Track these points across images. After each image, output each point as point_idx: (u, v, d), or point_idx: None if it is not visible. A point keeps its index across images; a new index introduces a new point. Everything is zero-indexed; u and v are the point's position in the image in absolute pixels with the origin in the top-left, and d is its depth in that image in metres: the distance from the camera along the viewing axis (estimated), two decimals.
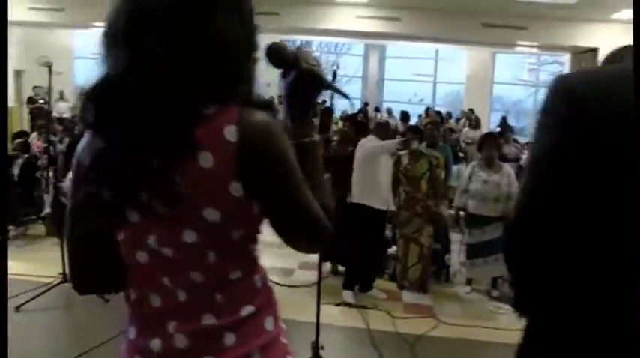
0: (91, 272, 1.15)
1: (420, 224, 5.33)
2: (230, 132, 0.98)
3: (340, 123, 8.32)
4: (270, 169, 1.02)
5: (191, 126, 0.97)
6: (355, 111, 12.68)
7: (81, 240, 1.11)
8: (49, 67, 4.57)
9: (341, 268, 5.65)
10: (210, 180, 0.98)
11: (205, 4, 1.00)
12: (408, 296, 5.27)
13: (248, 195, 1.00)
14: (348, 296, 4.98)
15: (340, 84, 19.89)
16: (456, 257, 5.96)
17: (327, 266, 5.80)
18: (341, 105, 14.01)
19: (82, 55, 17.18)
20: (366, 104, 16.75)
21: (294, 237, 1.10)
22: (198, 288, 1.05)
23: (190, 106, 0.97)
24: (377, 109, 16.77)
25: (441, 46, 17.60)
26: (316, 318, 3.36)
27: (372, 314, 4.41)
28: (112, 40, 1.02)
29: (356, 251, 5.03)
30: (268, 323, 1.11)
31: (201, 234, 1.02)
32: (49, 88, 4.84)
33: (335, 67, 3.53)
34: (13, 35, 14.35)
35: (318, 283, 3.49)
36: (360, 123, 6.28)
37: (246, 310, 1.08)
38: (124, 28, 1.00)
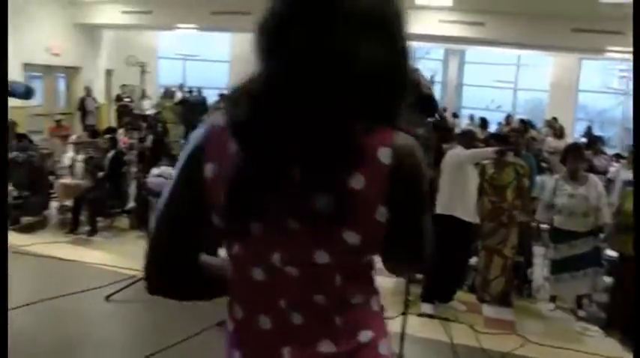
0: (170, 274, 1.09)
1: (505, 235, 5.13)
2: (384, 155, 0.95)
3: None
4: (414, 194, 1.00)
5: (352, 143, 0.92)
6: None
7: (169, 240, 1.06)
8: (142, 66, 4.73)
9: (418, 276, 5.54)
10: (358, 203, 0.94)
11: (372, 22, 0.95)
12: (489, 310, 5.09)
13: (388, 219, 0.97)
14: (427, 308, 4.86)
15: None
16: (539, 271, 5.70)
17: None
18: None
19: (165, 55, 17.87)
20: (444, 110, 16.42)
21: (405, 259, 1.10)
22: (318, 312, 1.00)
23: (350, 124, 0.93)
24: (455, 115, 16.40)
25: (523, 52, 17.01)
26: (401, 329, 3.29)
27: (454, 327, 4.27)
28: (269, 47, 0.96)
29: (439, 262, 4.89)
30: (383, 348, 1.06)
31: (335, 256, 0.97)
32: (141, 87, 5.01)
33: (433, 75, 3.45)
34: (106, 37, 15.14)
35: (406, 294, 3.42)
36: (444, 130, 6.12)
37: (365, 335, 1.03)
38: (281, 39, 0.94)
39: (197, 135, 1.04)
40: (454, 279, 5.21)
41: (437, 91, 19.78)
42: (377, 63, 0.93)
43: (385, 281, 5.11)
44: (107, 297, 3.97)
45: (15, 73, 10.70)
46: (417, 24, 11.47)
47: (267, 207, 0.95)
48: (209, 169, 1.00)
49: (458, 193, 4.81)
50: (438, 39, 13.35)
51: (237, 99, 0.98)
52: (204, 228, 1.05)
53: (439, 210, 4.84)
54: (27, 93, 4.12)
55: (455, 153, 4.97)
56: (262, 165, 0.94)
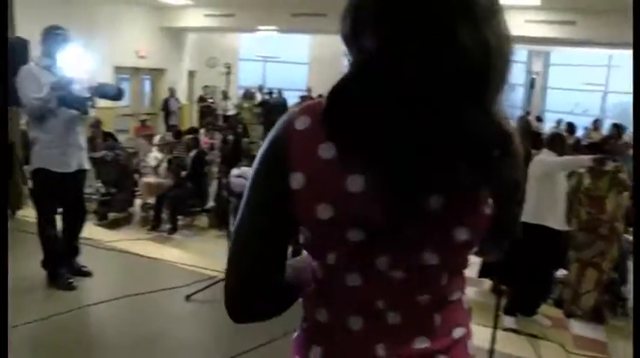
0: (258, 296, 0.99)
1: (604, 248, 4.79)
2: None
3: None
4: (517, 183, 0.97)
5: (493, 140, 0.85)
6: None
7: (253, 258, 0.97)
8: (228, 68, 4.79)
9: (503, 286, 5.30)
10: (470, 197, 0.90)
11: (488, 8, 0.86)
12: (578, 327, 4.77)
13: (494, 210, 0.93)
14: (509, 322, 4.61)
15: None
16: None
17: (487, 282, 5.49)
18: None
19: (245, 57, 18.22)
20: (527, 113, 15.77)
21: (499, 247, 1.07)
22: (419, 311, 0.96)
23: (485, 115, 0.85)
24: (539, 119, 15.71)
25: (615, 52, 16.06)
26: (490, 345, 3.12)
27: (543, 345, 4.02)
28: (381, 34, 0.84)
29: (526, 273, 4.64)
30: (469, 346, 1.04)
31: (444, 255, 0.93)
32: (224, 88, 5.07)
33: (534, 79, 3.22)
34: (189, 39, 15.62)
35: (497, 307, 3.23)
36: (534, 135, 5.81)
37: (458, 332, 1.01)
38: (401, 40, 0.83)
39: (274, 139, 0.94)
40: (540, 292, 4.93)
41: (520, 94, 19.12)
42: (496, 51, 0.84)
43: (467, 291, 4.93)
44: (187, 297, 4.01)
45: (107, 76, 11.23)
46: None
47: (377, 216, 0.87)
48: (296, 179, 0.90)
49: (546, 201, 4.53)
50: (523, 40, 12.80)
51: (340, 99, 0.86)
52: (288, 241, 0.98)
53: (526, 218, 4.57)
54: (117, 95, 4.27)
55: (543, 159, 4.67)
56: (383, 177, 0.85)
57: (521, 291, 4.70)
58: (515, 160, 0.93)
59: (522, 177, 0.99)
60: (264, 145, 0.96)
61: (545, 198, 4.52)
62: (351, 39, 0.89)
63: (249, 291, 0.99)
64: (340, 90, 0.86)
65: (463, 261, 0.99)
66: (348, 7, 0.89)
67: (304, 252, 1.02)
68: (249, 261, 0.97)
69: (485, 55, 0.82)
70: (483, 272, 5.32)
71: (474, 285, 5.38)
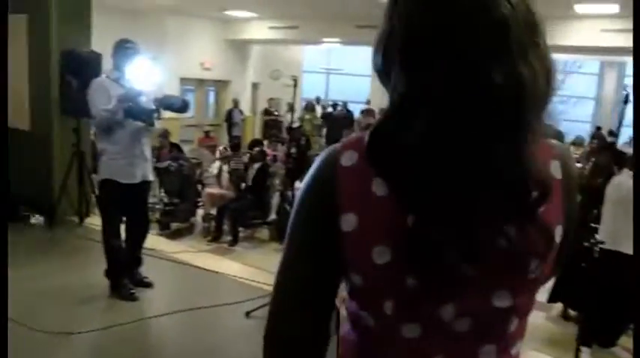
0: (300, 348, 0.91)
1: None
2: (555, 168, 0.86)
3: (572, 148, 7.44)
4: (576, 206, 0.90)
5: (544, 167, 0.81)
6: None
7: (296, 306, 0.89)
8: (295, 80, 4.76)
9: (572, 312, 5.07)
10: (541, 228, 0.81)
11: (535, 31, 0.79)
12: None
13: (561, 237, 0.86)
14: (585, 353, 4.29)
15: (568, 105, 18.28)
16: None
17: (557, 307, 5.19)
18: (568, 128, 12.76)
19: (308, 69, 18.32)
20: (598, 128, 15.05)
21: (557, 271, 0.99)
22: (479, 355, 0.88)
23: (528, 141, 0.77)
24: (612, 134, 14.94)
25: None
26: None
27: None
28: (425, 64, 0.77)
29: (598, 300, 4.31)
30: None
31: (517, 294, 0.84)
32: (290, 100, 5.05)
33: (627, 94, 3.00)
34: (253, 52, 15.84)
35: (578, 342, 2.99)
36: (618, 153, 5.42)
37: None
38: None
39: (318, 178, 0.87)
40: (618, 321, 4.59)
41: (589, 108, 18.29)
42: (532, 86, 0.77)
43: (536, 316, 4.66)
44: (247, 313, 3.95)
45: (173, 87, 11.50)
46: (574, 35, 10.59)
47: (439, 257, 0.78)
48: (347, 221, 0.82)
49: (623, 225, 4.20)
50: (597, 50, 12.24)
51: (379, 140, 0.81)
52: (335, 291, 0.90)
53: (603, 243, 4.26)
54: (183, 108, 4.29)
55: (622, 183, 4.33)
56: (437, 213, 0.77)
57: (594, 319, 4.38)
58: (571, 194, 0.87)
59: (577, 204, 0.91)
60: (305, 184, 0.89)
61: (622, 222, 4.19)
62: (384, 74, 0.83)
63: (289, 348, 0.90)
64: (379, 130, 0.81)
65: (534, 300, 0.90)
66: (378, 41, 0.83)
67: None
68: (292, 317, 0.89)
69: (519, 92, 0.75)
70: (553, 297, 5.04)
71: (544, 310, 5.10)
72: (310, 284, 0.88)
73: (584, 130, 14.44)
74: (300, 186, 0.95)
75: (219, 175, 7.78)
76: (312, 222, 0.87)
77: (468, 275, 0.79)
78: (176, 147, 8.59)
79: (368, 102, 15.15)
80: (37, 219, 5.87)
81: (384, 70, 0.82)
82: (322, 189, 0.85)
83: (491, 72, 0.74)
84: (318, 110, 15.27)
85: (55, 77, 5.82)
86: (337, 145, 0.88)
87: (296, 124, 11.61)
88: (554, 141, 0.88)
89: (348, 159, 0.84)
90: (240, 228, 7.28)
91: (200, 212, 7.86)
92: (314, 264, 0.87)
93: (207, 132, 11.57)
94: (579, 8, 9.64)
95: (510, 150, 0.75)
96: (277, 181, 7.87)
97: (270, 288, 0.93)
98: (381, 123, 0.81)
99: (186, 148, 9.74)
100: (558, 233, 0.84)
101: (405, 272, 0.81)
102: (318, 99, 15.66)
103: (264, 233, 7.54)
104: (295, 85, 4.82)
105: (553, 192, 0.80)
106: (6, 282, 2.20)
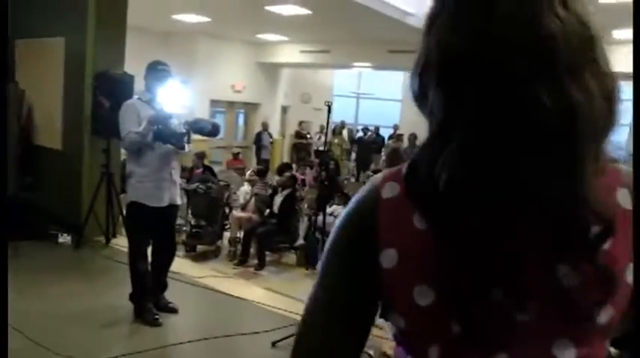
0: None
1: None
2: (624, 197, 0.75)
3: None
4: None
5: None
6: None
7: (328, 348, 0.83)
8: (329, 105, 4.73)
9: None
10: (601, 267, 0.71)
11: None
12: None
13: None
14: None
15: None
16: None
17: None
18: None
19: (338, 93, 18.34)
20: (632, 156, 14.68)
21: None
22: None
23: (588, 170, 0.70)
24: None
25: None
26: None
27: None
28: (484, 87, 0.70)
29: None
30: None
31: (579, 342, 0.73)
32: (325, 125, 5.02)
33: None
34: (283, 75, 15.95)
35: None
36: None
37: None
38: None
39: (359, 209, 0.82)
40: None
41: (625, 134, 17.83)
42: (585, 110, 0.70)
43: None
44: (274, 343, 3.83)
45: (203, 109, 11.59)
46: (611, 61, 10.37)
47: (485, 298, 0.71)
48: (388, 257, 0.77)
49: None
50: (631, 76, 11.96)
51: (426, 164, 0.73)
52: (370, 326, 0.84)
53: None
54: (213, 132, 4.25)
55: None
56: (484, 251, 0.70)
57: None
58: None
59: None
60: (345, 214, 0.83)
61: None
62: (421, 100, 0.77)
63: None
64: (416, 160, 0.76)
65: (605, 349, 0.78)
66: (415, 65, 0.77)
67: None
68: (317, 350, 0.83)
69: (570, 116, 0.68)
70: None
71: None
72: (344, 325, 0.82)
73: (621, 157, 14.12)
74: (330, 210, 0.86)
75: (246, 199, 7.72)
76: (351, 257, 0.81)
77: (521, 321, 0.72)
78: (209, 169, 8.58)
79: (395, 128, 15.06)
80: (64, 238, 5.87)
81: (420, 95, 0.77)
82: (363, 222, 0.80)
83: (538, 94, 0.67)
84: (345, 134, 15.24)
85: (89, 98, 5.88)
86: (379, 176, 0.83)
87: (322, 148, 11.60)
88: (621, 166, 0.79)
89: (389, 191, 0.79)
90: (267, 253, 7.18)
91: (227, 235, 7.79)
92: (355, 299, 0.81)
93: (236, 155, 11.58)
94: (617, 34, 9.46)
95: (564, 185, 0.68)
96: (305, 205, 7.78)
97: (298, 317, 0.84)
98: (418, 152, 0.76)
99: (215, 170, 9.75)
100: (628, 271, 0.73)
101: (450, 316, 0.74)
102: (343, 124, 15.62)
103: (291, 258, 7.43)
104: (330, 110, 4.78)
105: (620, 225, 0.71)
106: (6, 284, 2.15)
